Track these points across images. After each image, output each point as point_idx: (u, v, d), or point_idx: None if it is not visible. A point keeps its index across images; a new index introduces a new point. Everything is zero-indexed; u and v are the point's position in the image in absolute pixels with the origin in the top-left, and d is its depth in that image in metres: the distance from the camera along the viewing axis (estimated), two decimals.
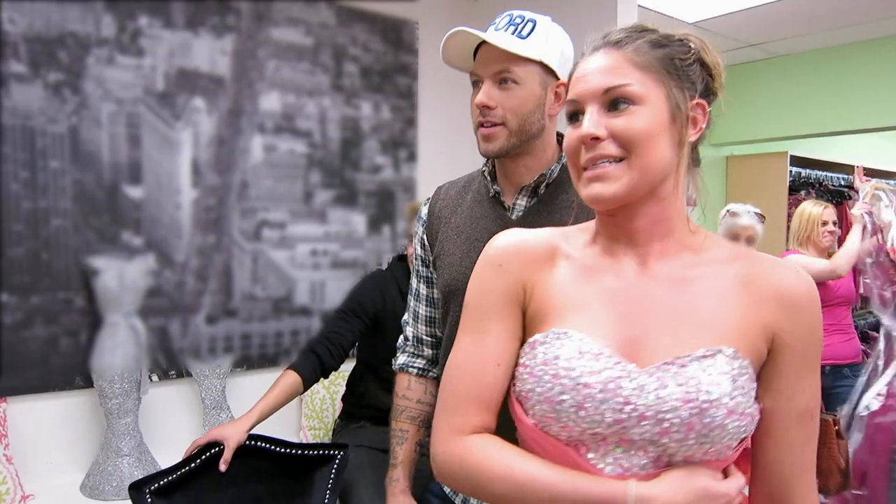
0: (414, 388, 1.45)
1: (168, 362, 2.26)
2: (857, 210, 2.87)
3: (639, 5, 3.09)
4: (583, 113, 0.82)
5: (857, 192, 4.54)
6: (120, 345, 2.01)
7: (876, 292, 2.90)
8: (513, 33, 1.23)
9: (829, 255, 2.97)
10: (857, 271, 3.02)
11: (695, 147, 0.86)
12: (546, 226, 1.22)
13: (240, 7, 2.31)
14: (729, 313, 0.80)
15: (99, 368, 1.98)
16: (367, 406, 2.16)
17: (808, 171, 4.59)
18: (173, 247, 2.22)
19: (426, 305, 1.43)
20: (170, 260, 2.22)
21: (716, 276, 0.82)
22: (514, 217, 1.28)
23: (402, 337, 1.50)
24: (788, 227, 3.13)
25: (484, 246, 0.92)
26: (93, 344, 2.03)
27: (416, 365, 1.45)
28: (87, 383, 2.07)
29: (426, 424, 1.47)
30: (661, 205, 0.82)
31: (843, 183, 4.80)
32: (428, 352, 1.45)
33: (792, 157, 4.36)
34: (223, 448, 1.65)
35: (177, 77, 2.20)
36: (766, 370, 0.82)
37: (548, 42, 1.24)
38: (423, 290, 1.43)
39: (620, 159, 0.79)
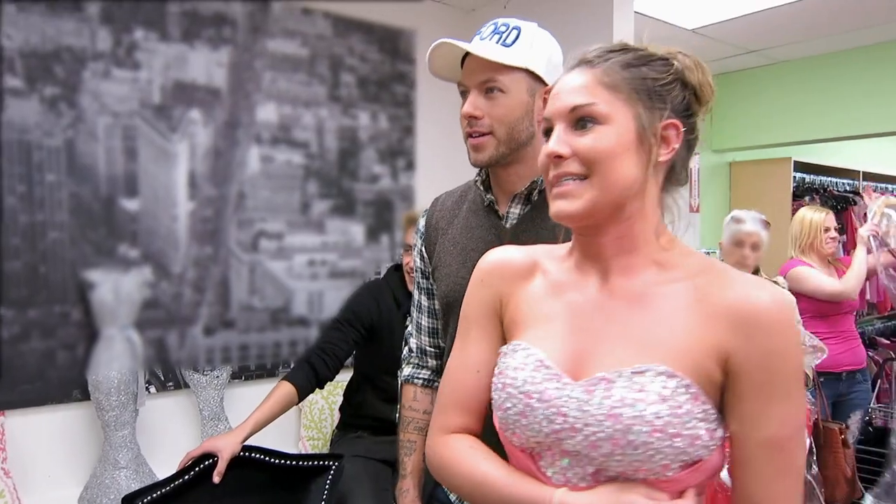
0: (420, 399, 1.44)
1: (166, 374, 2.26)
2: (864, 231, 2.85)
3: (638, 13, 3.09)
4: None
5: (861, 197, 4.52)
6: (116, 357, 2.01)
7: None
8: (497, 42, 1.23)
9: (830, 263, 2.95)
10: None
11: (672, 167, 0.85)
12: (540, 232, 1.21)
13: (236, 19, 2.33)
14: (676, 331, 0.78)
15: (95, 381, 1.99)
16: (365, 416, 2.15)
17: (812, 176, 4.57)
18: (170, 259, 2.23)
19: (428, 317, 1.44)
20: (167, 272, 2.23)
21: (677, 292, 0.81)
22: (507, 225, 1.27)
23: (406, 349, 1.50)
24: None
25: (479, 256, 0.98)
26: (90, 357, 2.03)
27: (421, 376, 1.45)
28: (85, 396, 2.07)
29: None
30: (627, 223, 0.82)
31: (847, 188, 4.77)
32: (432, 362, 1.45)
33: (796, 162, 4.33)
34: (217, 460, 1.64)
35: (173, 89, 2.22)
36: (728, 394, 0.78)
37: (533, 48, 1.23)
38: (424, 301, 1.44)
39: (584, 177, 0.80)
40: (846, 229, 4.39)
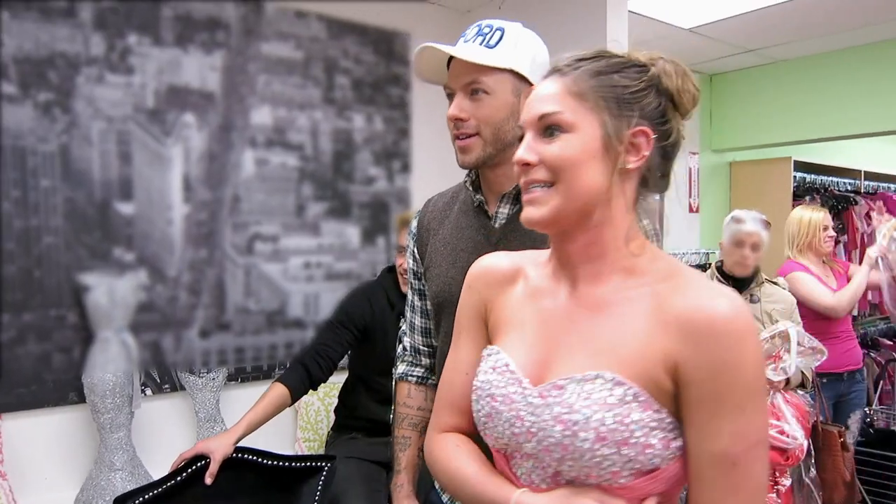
0: (414, 396, 1.47)
1: (161, 376, 2.27)
2: (873, 252, 2.83)
3: (635, 13, 3.09)
4: None
5: (863, 198, 4.50)
6: (111, 360, 2.02)
7: None
8: (481, 44, 1.24)
9: (825, 263, 2.94)
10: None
11: (647, 173, 0.84)
12: (528, 231, 1.22)
13: (229, 23, 2.34)
14: (630, 339, 0.78)
15: (91, 384, 2.00)
16: (359, 418, 2.15)
17: (812, 176, 4.55)
18: (165, 262, 2.24)
19: (421, 316, 1.45)
20: (162, 275, 2.24)
21: (639, 299, 0.80)
22: (496, 225, 1.28)
23: (400, 347, 1.52)
24: None
25: (468, 256, 1.03)
26: (85, 360, 2.04)
27: (415, 374, 1.47)
28: (81, 399, 2.08)
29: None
30: (595, 230, 0.83)
31: (848, 188, 4.74)
32: (425, 361, 1.47)
33: (796, 162, 4.31)
34: (209, 461, 1.65)
35: (167, 94, 2.23)
36: (680, 403, 0.76)
37: (517, 49, 1.24)
38: (417, 302, 1.45)
39: (551, 184, 0.81)
40: (847, 229, 4.37)
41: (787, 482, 2.34)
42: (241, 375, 2.43)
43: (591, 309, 0.83)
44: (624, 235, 0.84)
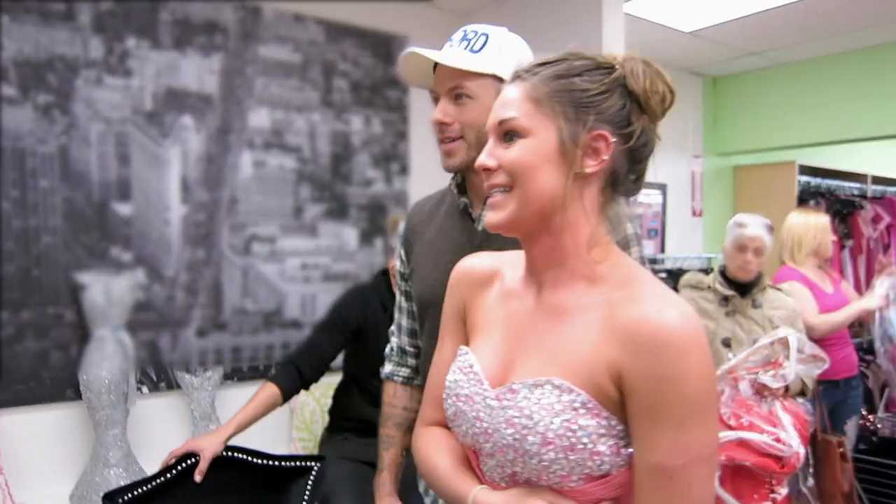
0: (399, 396, 1.49)
1: (158, 374, 2.30)
2: (873, 304, 2.82)
3: (634, 16, 3.09)
4: None
5: (869, 201, 4.46)
6: (107, 358, 2.05)
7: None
8: (465, 48, 1.25)
9: (821, 268, 2.91)
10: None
11: (613, 176, 0.83)
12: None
13: (227, 26, 2.37)
14: (579, 347, 0.79)
15: (87, 381, 2.03)
16: (351, 418, 2.17)
17: (818, 180, 4.50)
18: (163, 262, 2.27)
19: (407, 318, 1.47)
20: (159, 275, 2.27)
21: (595, 306, 0.80)
22: (480, 228, 1.29)
23: (388, 347, 1.53)
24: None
25: (451, 258, 1.04)
26: (82, 357, 2.07)
27: (401, 374, 1.49)
28: (77, 395, 2.11)
29: (411, 430, 1.50)
30: (556, 234, 0.83)
31: (855, 192, 4.70)
32: (412, 361, 1.49)
33: (801, 166, 4.28)
34: (199, 459, 1.67)
35: (165, 96, 2.26)
36: (626, 413, 0.76)
37: (502, 53, 1.25)
38: (404, 303, 1.47)
39: (510, 188, 0.83)
40: (852, 234, 4.33)
41: (784, 491, 2.32)
42: (237, 375, 2.45)
43: (551, 314, 0.84)
44: (585, 241, 0.83)
